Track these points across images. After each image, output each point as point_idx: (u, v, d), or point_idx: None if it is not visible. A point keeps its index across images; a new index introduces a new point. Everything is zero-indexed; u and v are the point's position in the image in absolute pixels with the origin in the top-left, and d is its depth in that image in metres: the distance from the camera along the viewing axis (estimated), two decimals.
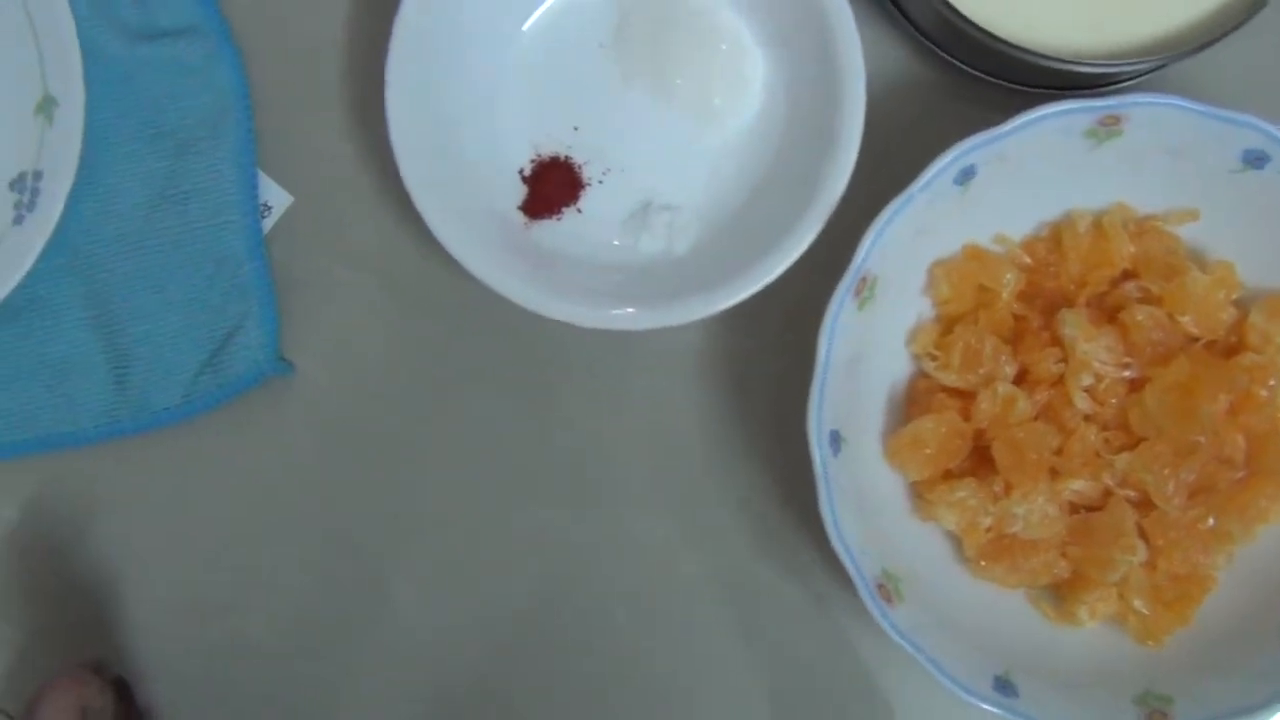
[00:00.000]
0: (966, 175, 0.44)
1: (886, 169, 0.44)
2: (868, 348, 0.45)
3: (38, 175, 0.47)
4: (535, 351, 0.49)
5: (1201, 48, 0.44)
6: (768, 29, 0.48)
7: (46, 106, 0.48)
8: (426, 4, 0.44)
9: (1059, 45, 0.45)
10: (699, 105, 0.48)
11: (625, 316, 0.45)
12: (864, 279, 0.43)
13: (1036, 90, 0.49)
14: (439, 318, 0.49)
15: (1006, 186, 0.45)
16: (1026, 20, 0.45)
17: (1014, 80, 0.48)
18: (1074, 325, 0.45)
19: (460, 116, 0.47)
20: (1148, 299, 0.46)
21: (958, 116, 0.46)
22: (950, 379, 0.46)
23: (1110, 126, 0.44)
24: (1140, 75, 0.48)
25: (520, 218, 0.48)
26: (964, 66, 0.48)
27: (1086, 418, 0.45)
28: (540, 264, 0.47)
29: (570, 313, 0.45)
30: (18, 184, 0.47)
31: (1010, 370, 0.46)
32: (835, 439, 0.44)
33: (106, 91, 0.48)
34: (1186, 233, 0.46)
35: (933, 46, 0.48)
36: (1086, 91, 0.48)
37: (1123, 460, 0.45)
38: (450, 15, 0.45)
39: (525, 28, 0.48)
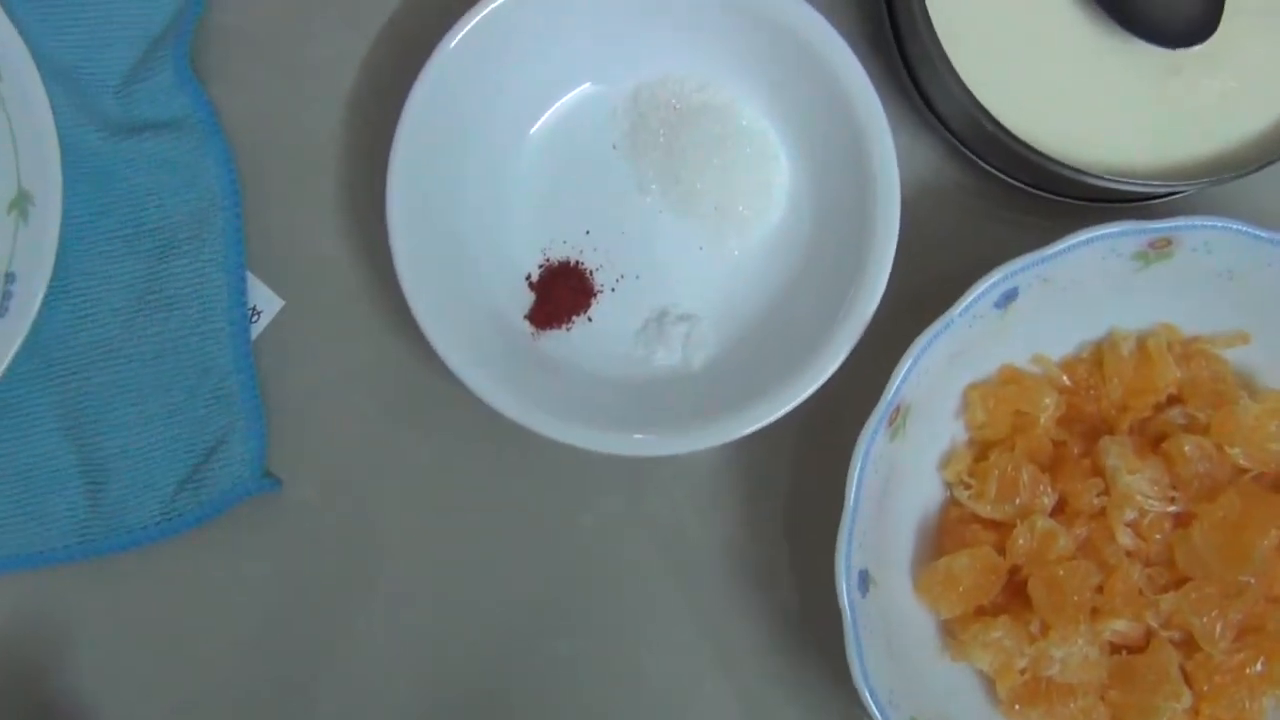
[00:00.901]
0: (1008, 298, 0.43)
1: (916, 278, 0.44)
2: (898, 476, 0.44)
3: (10, 277, 0.45)
4: (541, 470, 0.48)
5: (1258, 168, 0.42)
6: (795, 132, 0.47)
7: (20, 203, 0.46)
8: (431, 105, 0.43)
9: (1106, 162, 0.44)
10: (719, 211, 0.47)
11: (638, 443, 0.43)
12: (897, 409, 0.43)
13: (1076, 202, 0.48)
14: (437, 432, 0.48)
15: (1048, 307, 0.44)
16: (1071, 135, 0.44)
17: (1053, 191, 0.47)
18: (1117, 455, 0.44)
19: (464, 220, 0.46)
20: (1194, 427, 0.45)
21: (993, 225, 0.47)
22: (985, 509, 0.45)
23: (1161, 249, 0.44)
24: (1185, 193, 0.47)
25: (527, 327, 0.47)
26: (1000, 174, 0.48)
27: (1129, 554, 0.44)
28: (548, 378, 0.45)
29: (581, 437, 0.43)
30: None
31: (1049, 501, 0.45)
32: (864, 579, 0.43)
33: (85, 188, 0.46)
34: (1235, 357, 0.46)
35: (968, 153, 0.47)
36: (1132, 207, 0.48)
37: (1167, 600, 0.44)
38: (455, 118, 0.44)
39: (533, 131, 0.47)
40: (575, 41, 0.45)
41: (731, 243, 0.47)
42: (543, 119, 0.47)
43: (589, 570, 0.47)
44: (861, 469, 0.42)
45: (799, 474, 0.48)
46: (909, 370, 0.42)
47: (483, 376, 0.43)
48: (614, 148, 0.47)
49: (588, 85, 0.47)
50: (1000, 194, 0.47)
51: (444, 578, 0.48)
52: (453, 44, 0.43)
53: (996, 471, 0.44)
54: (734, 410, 0.43)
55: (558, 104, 0.47)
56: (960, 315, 0.42)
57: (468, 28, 0.43)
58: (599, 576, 0.47)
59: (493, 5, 0.43)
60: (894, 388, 0.42)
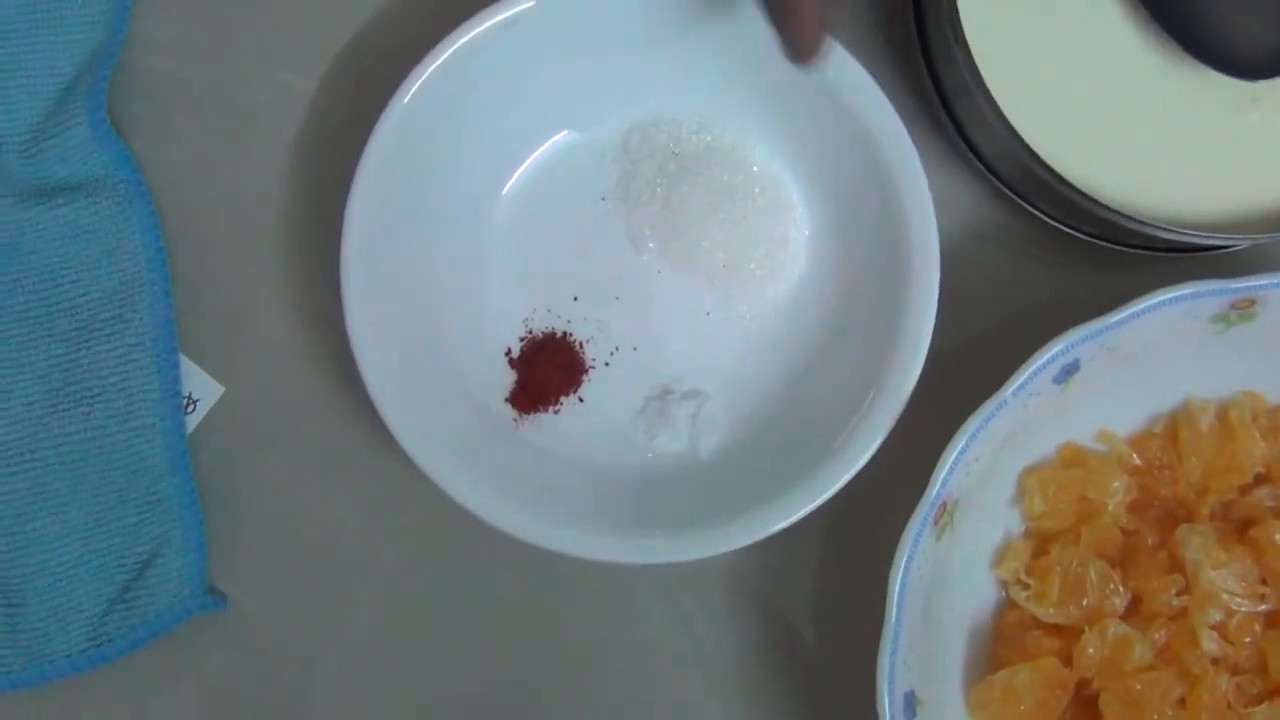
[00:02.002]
0: (1069, 371, 0.42)
1: (958, 338, 0.43)
2: (945, 577, 0.43)
3: None
4: (527, 575, 0.46)
5: None
6: (814, 176, 0.46)
7: None
8: (387, 166, 0.42)
9: (1173, 211, 0.43)
10: (728, 271, 0.46)
11: (639, 549, 0.42)
12: (943, 505, 0.41)
13: (1139, 251, 0.46)
14: (405, 536, 0.46)
15: (1114, 378, 0.43)
16: (1133, 180, 0.43)
17: (1113, 241, 0.46)
18: (1197, 546, 0.43)
19: (432, 291, 0.45)
20: None
21: (1045, 275, 0.47)
22: (1047, 613, 0.43)
23: (1243, 309, 0.42)
24: (1263, 242, 0.45)
25: (508, 412, 0.46)
26: (1052, 221, 0.46)
27: (1215, 661, 0.43)
28: (533, 472, 0.44)
29: (571, 543, 0.42)
30: None
31: (1120, 602, 0.43)
32: (910, 702, 0.41)
33: None
34: None
35: (1014, 196, 0.46)
36: (1204, 257, 0.46)
37: (1260, 714, 0.42)
38: (416, 178, 0.43)
39: (507, 188, 0.46)
40: (548, 84, 0.44)
41: (743, 307, 0.46)
42: (517, 173, 0.46)
43: (583, 690, 0.46)
44: (904, 577, 0.40)
45: (829, 576, 0.46)
46: (956, 460, 0.40)
47: (456, 472, 0.42)
48: (602, 200, 0.46)
49: (566, 133, 0.46)
50: (1052, 241, 0.46)
51: (416, 703, 0.46)
52: (406, 98, 0.41)
53: (1059, 568, 0.43)
54: (750, 508, 0.42)
55: (534, 155, 0.46)
56: (1014, 394, 0.40)
57: (422, 79, 0.41)
58: (595, 697, 0.46)
59: (448, 52, 0.41)
60: (939, 481, 0.40)
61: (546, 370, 0.45)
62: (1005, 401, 0.40)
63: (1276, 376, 0.44)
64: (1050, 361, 0.40)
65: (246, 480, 0.47)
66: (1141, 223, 0.41)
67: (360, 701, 0.46)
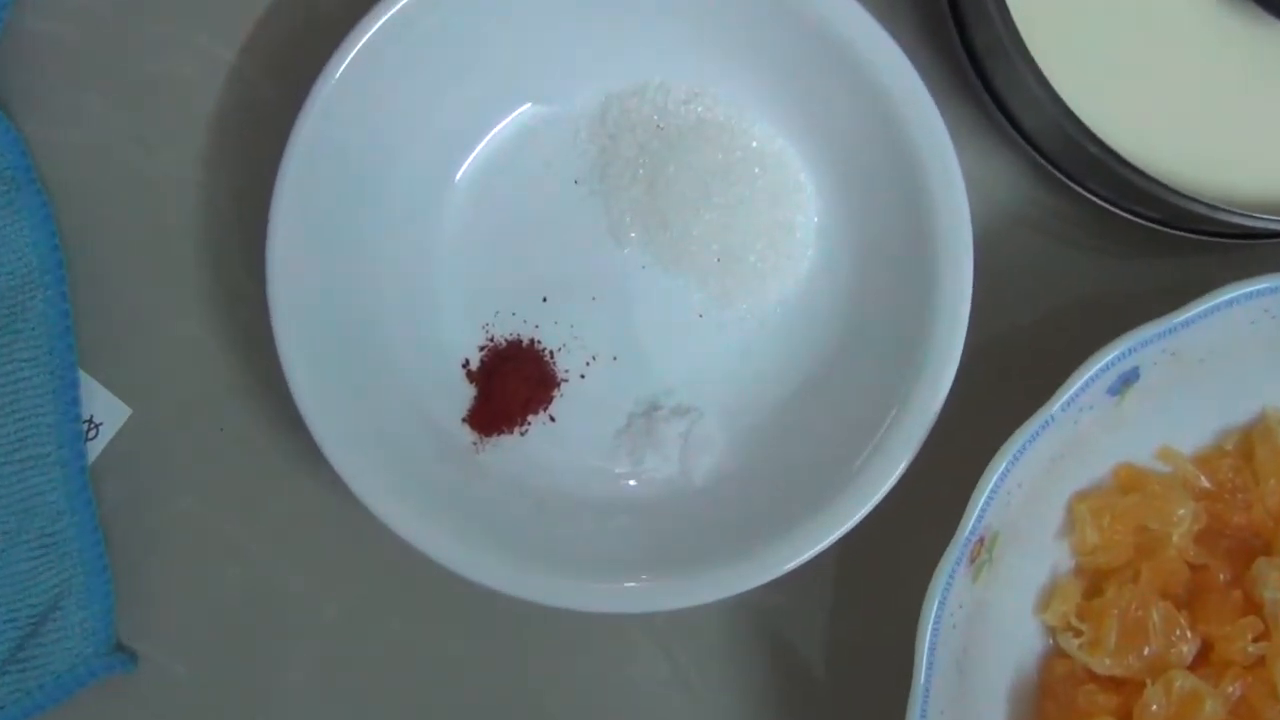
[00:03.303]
0: (1126, 380, 0.42)
1: (993, 336, 0.44)
2: (984, 624, 0.42)
3: None
4: (489, 623, 0.46)
5: None
6: (824, 153, 0.45)
7: None
8: (319, 150, 0.41)
9: (1245, 193, 0.42)
10: (724, 265, 0.45)
11: (622, 595, 0.42)
12: (980, 540, 0.40)
13: (1203, 238, 0.45)
14: (346, 581, 0.46)
15: (1178, 387, 0.43)
16: (1197, 155, 0.43)
17: (1174, 226, 0.45)
18: (1277, 584, 0.42)
19: (375, 294, 0.44)
20: None
21: (1093, 263, 0.47)
22: (1102, 664, 0.43)
23: None
24: None
25: (466, 434, 0.45)
26: (1102, 202, 0.45)
27: None
28: (496, 505, 0.44)
29: (541, 589, 0.41)
30: None
31: (1188, 650, 0.43)
32: None
33: None
34: None
35: (1057, 173, 0.45)
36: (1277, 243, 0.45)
37: None
38: (353, 164, 0.43)
39: (459, 177, 0.46)
40: (508, 50, 0.44)
41: (742, 307, 0.46)
42: (474, 155, 0.46)
43: None
44: (935, 624, 0.39)
45: (845, 623, 0.46)
46: (995, 487, 0.40)
47: (404, 507, 0.41)
48: (575, 184, 0.46)
49: (530, 106, 0.46)
50: (1104, 226, 0.46)
51: None
52: (340, 69, 0.41)
53: (1116, 611, 0.43)
54: (753, 544, 0.42)
55: (492, 133, 0.46)
56: (1063, 409, 0.40)
57: (359, 46, 0.41)
58: None
59: (390, 13, 0.41)
60: (975, 512, 0.39)
61: (511, 384, 0.45)
62: (1052, 417, 0.40)
63: None
64: (1105, 369, 0.40)
65: (159, 518, 0.46)
66: (1212, 206, 0.40)
67: None
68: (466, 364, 0.45)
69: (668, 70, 0.45)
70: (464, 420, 0.45)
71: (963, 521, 0.39)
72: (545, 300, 0.46)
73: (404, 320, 0.45)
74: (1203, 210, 0.41)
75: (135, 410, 0.46)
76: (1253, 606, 0.43)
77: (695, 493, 0.45)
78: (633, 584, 0.41)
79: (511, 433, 0.45)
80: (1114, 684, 0.43)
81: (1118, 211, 0.45)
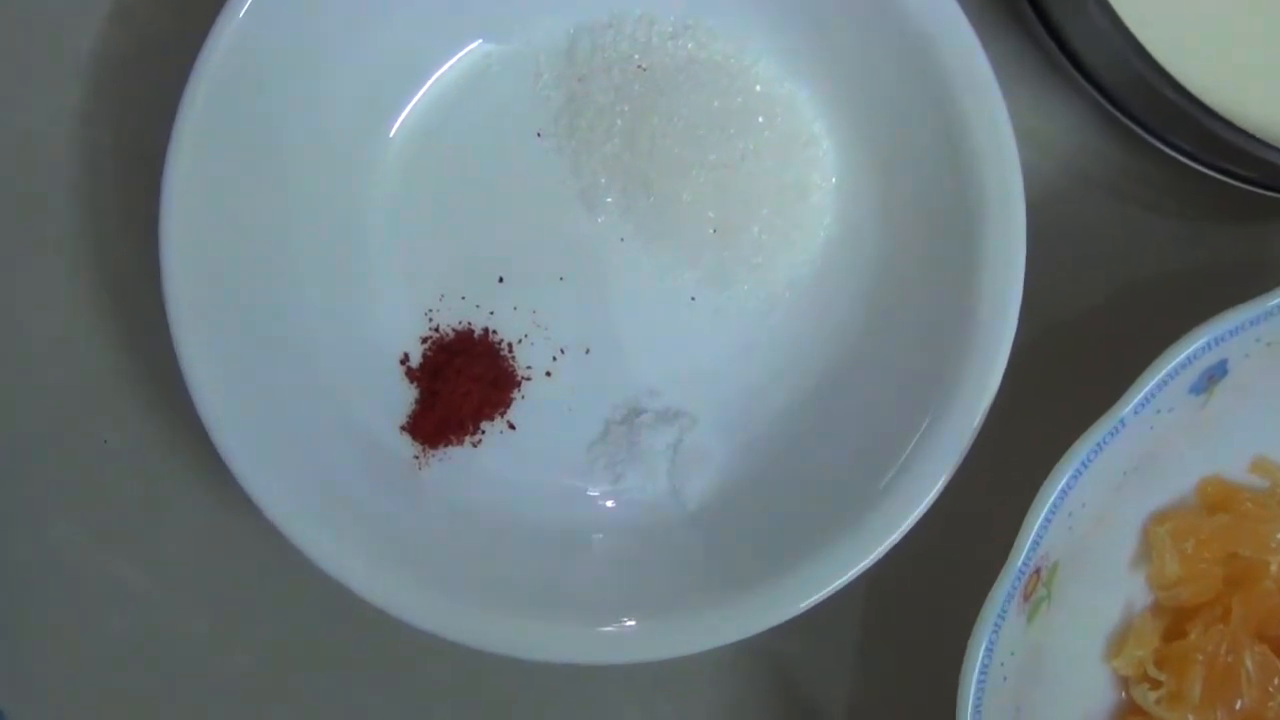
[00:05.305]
0: (1212, 377, 0.42)
1: (1053, 326, 0.45)
2: (1042, 674, 0.43)
3: None
4: (438, 676, 0.47)
5: None
6: (844, 100, 0.46)
7: None
8: (223, 100, 0.42)
9: None
10: (722, 237, 0.46)
11: (599, 643, 0.42)
12: (1036, 572, 0.40)
13: None
14: (261, 622, 0.47)
15: (1274, 385, 0.43)
16: None
17: (1267, 186, 0.45)
18: None
19: (292, 277, 0.44)
20: None
21: (1170, 231, 0.47)
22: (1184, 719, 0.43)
23: None
24: None
25: (407, 446, 0.45)
26: (1181, 157, 0.45)
27: None
28: (443, 534, 0.44)
29: (502, 637, 0.41)
30: None
31: None
32: None
33: None
34: None
35: (1128, 121, 0.45)
36: None
37: None
38: (265, 118, 0.43)
39: (394, 131, 0.46)
40: None
41: (744, 289, 0.46)
42: (411, 104, 0.46)
43: None
44: (981, 675, 0.39)
45: (870, 674, 0.47)
46: (1054, 507, 0.40)
47: (328, 535, 0.41)
48: (538, 138, 0.46)
49: (479, 44, 0.46)
50: (1185, 187, 0.47)
51: None
52: (243, 10, 0.41)
53: (1201, 657, 0.43)
54: (757, 581, 0.42)
55: (434, 77, 0.46)
56: (1135, 411, 0.40)
57: None
58: None
59: None
60: (1030, 538, 0.39)
61: (460, 384, 0.45)
62: (1123, 422, 0.40)
63: None
64: (1186, 363, 0.40)
65: (29, 550, 0.47)
66: None
67: None
68: (405, 360, 0.46)
69: None
70: (403, 429, 0.45)
71: (1014, 550, 0.39)
72: (501, 281, 0.46)
73: (328, 307, 0.45)
74: None
75: None
76: None
77: (686, 518, 0.45)
78: (610, 629, 0.42)
79: (461, 444, 0.45)
80: None
81: (1201, 169, 0.45)
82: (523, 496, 0.45)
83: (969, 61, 0.41)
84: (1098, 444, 0.39)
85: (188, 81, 0.41)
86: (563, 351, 0.46)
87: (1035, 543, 0.39)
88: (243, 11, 0.41)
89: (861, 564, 0.41)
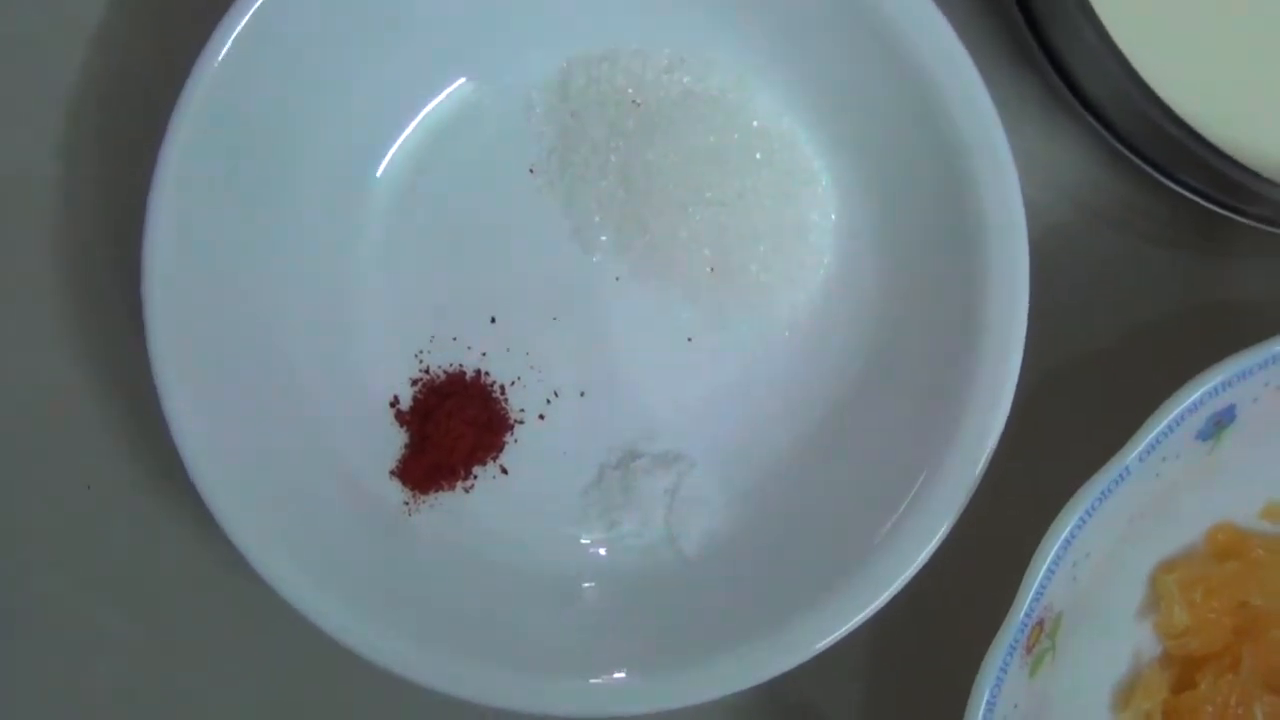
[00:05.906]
0: (1220, 423, 0.42)
1: (1057, 368, 0.44)
2: None
3: None
4: None
5: None
6: (844, 136, 0.46)
7: None
8: (204, 145, 0.42)
9: None
10: (719, 276, 0.46)
11: (592, 696, 0.42)
12: (1039, 624, 0.40)
13: None
14: (253, 674, 0.47)
15: None
16: None
17: (1269, 220, 0.45)
18: None
19: (280, 320, 0.45)
20: None
21: (1180, 274, 0.47)
22: None
23: None
24: None
25: (396, 491, 0.45)
26: (1188, 193, 0.45)
27: None
28: (434, 582, 0.44)
29: (494, 689, 0.42)
30: None
31: None
32: None
33: None
34: None
35: (1132, 156, 0.45)
36: None
37: None
38: (248, 164, 0.43)
39: (380, 171, 0.46)
40: (440, 6, 0.44)
41: (742, 329, 0.46)
42: (399, 143, 0.46)
43: None
44: None
45: (865, 704, 0.47)
46: (1057, 556, 0.40)
47: (312, 582, 0.42)
48: (530, 175, 0.47)
49: (463, 82, 0.46)
50: (1187, 221, 0.47)
51: None
52: (230, 39, 0.41)
53: (1211, 709, 0.43)
54: (756, 631, 0.42)
55: (422, 115, 0.46)
56: (1141, 458, 0.40)
57: (252, 8, 0.41)
58: None
59: None
60: (1033, 588, 0.40)
61: (452, 427, 0.45)
62: (1128, 469, 0.40)
63: None
64: (1193, 408, 0.40)
65: (9, 600, 0.47)
66: None
67: None
68: (395, 403, 0.46)
69: (647, 31, 0.46)
70: (393, 474, 0.45)
71: (1017, 600, 0.39)
72: (494, 321, 0.46)
73: (316, 349, 0.45)
74: None
75: None
76: None
77: (684, 565, 0.45)
78: (601, 681, 0.42)
79: (453, 489, 0.45)
80: None
81: (1207, 205, 0.45)
82: (514, 543, 0.45)
83: (971, 97, 0.42)
84: (1102, 491, 0.40)
85: (168, 126, 0.41)
86: (556, 394, 0.46)
87: (1037, 595, 0.39)
88: (228, 43, 0.41)
89: (865, 612, 0.41)
